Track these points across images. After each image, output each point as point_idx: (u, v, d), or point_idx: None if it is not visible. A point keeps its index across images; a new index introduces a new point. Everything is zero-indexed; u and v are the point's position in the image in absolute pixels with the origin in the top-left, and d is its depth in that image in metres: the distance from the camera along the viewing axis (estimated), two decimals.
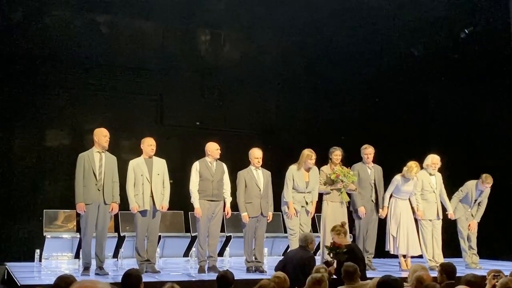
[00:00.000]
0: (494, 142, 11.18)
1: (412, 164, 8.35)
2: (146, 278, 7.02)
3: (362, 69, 11.39)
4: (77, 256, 8.54)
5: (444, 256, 8.60)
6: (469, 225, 9.06)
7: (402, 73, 11.60)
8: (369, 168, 8.48)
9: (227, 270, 5.39)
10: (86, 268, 7.27)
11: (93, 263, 7.44)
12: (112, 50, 9.91)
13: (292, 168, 8.09)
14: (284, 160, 9.26)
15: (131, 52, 10.08)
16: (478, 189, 8.96)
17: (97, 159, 7.23)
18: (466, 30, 10.86)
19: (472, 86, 11.45)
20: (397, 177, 8.44)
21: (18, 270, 7.69)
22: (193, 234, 9.44)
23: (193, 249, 9.19)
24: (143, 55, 10.21)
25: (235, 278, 5.13)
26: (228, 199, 7.81)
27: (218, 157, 7.80)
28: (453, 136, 11.60)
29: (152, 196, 7.45)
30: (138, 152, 7.91)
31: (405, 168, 8.38)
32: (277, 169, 8.91)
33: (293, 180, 8.01)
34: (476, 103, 11.46)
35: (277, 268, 6.24)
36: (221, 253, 9.33)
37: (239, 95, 10.77)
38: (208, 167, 7.71)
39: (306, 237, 6.68)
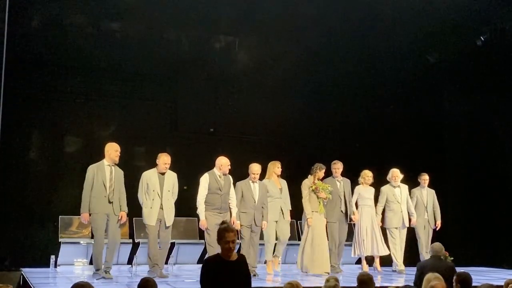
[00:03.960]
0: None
1: (368, 173, 9.31)
2: (161, 285, 7.06)
3: (377, 76, 11.36)
4: (92, 262, 8.56)
5: None
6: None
7: (417, 80, 11.55)
8: (338, 182, 9.07)
9: None
10: (98, 270, 7.50)
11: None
12: (127, 57, 9.96)
13: (263, 181, 8.56)
14: (299, 167, 9.31)
15: (146, 59, 10.12)
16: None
17: (107, 172, 7.50)
18: (482, 37, 10.80)
19: (488, 94, 11.37)
20: (358, 187, 9.34)
21: (34, 276, 7.73)
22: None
23: (207, 256, 9.21)
24: (158, 62, 10.24)
25: None
26: (234, 210, 8.05)
27: (227, 173, 8.00)
28: (467, 144, 11.54)
29: (162, 210, 7.73)
30: (152, 159, 8.07)
31: (360, 178, 9.33)
32: (291, 177, 8.96)
33: (266, 190, 8.47)
34: (491, 111, 11.37)
35: (416, 283, 6.20)
36: None
37: (253, 102, 10.77)
38: (217, 180, 7.93)
39: (441, 247, 6.71)
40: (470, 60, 11.37)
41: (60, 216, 9.00)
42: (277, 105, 10.92)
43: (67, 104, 9.64)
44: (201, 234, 9.50)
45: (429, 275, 5.56)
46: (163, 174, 7.78)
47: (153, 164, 7.97)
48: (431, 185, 9.90)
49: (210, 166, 8.29)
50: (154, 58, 10.19)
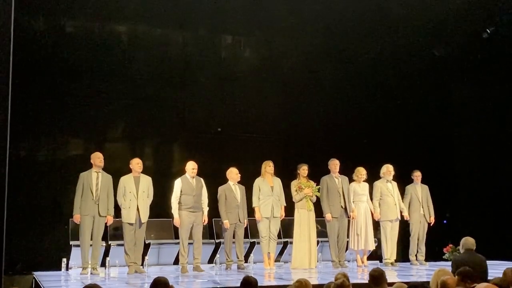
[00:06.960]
0: None
1: (361, 170, 9.51)
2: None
3: (384, 71, 11.33)
4: (103, 264, 8.63)
5: None
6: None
7: (424, 74, 11.50)
8: (336, 178, 9.34)
9: (250, 275, 5.37)
10: (84, 268, 8.23)
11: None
12: (133, 58, 10.01)
13: (257, 180, 9.10)
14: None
15: (152, 59, 10.17)
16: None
17: (94, 178, 8.34)
18: (488, 30, 10.74)
19: (496, 87, 11.30)
20: (352, 184, 9.49)
21: (46, 279, 7.77)
22: (217, 241, 9.50)
23: (217, 255, 9.29)
24: (164, 62, 10.28)
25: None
26: (205, 209, 8.72)
27: (194, 175, 8.65)
28: (477, 138, 11.47)
29: (138, 210, 8.40)
30: (160, 158, 8.19)
31: (354, 176, 9.50)
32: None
33: (259, 188, 9.02)
34: (501, 104, 11.30)
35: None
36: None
37: (260, 101, 10.78)
38: (189, 183, 8.62)
39: (473, 242, 6.70)
40: (477, 53, 11.31)
41: (70, 219, 8.98)
42: (283, 104, 10.92)
43: (75, 107, 9.67)
44: (211, 234, 9.58)
45: (438, 271, 5.53)
46: (137, 177, 8.47)
47: (162, 164, 8.37)
48: (433, 181, 10.00)
49: (217, 165, 8.34)
50: (160, 59, 10.25)
